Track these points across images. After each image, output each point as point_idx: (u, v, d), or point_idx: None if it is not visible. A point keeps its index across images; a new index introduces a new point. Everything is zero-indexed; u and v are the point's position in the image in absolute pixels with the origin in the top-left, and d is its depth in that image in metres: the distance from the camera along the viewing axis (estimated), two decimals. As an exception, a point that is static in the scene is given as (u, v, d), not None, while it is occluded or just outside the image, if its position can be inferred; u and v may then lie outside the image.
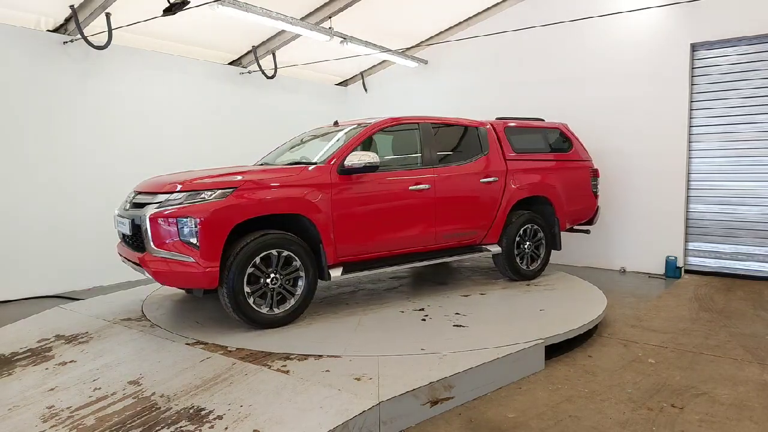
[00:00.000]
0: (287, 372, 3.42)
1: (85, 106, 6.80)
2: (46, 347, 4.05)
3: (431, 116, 5.61)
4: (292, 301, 4.42)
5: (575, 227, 6.66)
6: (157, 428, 2.77)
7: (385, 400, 3.02)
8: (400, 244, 5.08)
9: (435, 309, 4.88)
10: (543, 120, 6.64)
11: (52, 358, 3.83)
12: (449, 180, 5.33)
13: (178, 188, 4.17)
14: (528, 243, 5.96)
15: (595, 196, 6.63)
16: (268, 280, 4.28)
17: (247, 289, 4.16)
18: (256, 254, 4.16)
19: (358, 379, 3.29)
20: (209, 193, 4.11)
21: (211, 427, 2.78)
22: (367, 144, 5.11)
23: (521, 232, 5.87)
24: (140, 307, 5.10)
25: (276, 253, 4.28)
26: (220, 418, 2.86)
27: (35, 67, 6.34)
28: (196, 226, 3.98)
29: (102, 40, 6.57)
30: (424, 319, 4.58)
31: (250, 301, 4.19)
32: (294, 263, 4.39)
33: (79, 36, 6.42)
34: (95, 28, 6.48)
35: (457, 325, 4.36)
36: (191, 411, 2.95)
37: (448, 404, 3.34)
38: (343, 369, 3.46)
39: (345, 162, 4.63)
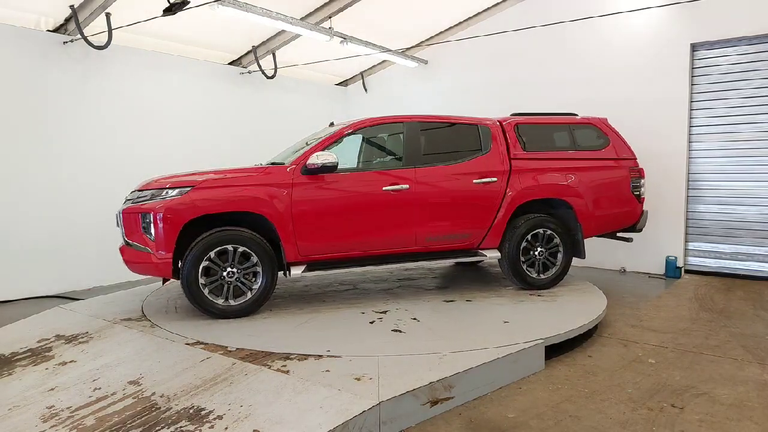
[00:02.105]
0: (287, 372, 3.42)
1: (85, 106, 6.81)
2: (46, 347, 4.05)
3: (423, 115, 5.44)
4: (249, 295, 4.66)
5: (618, 234, 5.97)
6: (157, 428, 2.77)
7: (385, 400, 3.02)
8: (374, 245, 5.01)
9: (399, 313, 4.76)
10: (576, 115, 6.02)
11: (52, 358, 3.83)
12: (432, 180, 5.13)
13: (148, 186, 4.69)
14: (539, 249, 5.47)
15: (638, 199, 5.84)
16: (225, 274, 4.55)
17: (201, 280, 4.48)
18: (211, 249, 4.48)
19: (358, 379, 3.29)
20: (169, 191, 4.54)
21: (211, 427, 2.78)
22: (344, 144, 5.12)
23: (529, 237, 5.41)
24: (140, 307, 5.10)
25: (232, 249, 4.55)
26: (220, 418, 2.86)
27: (35, 67, 6.34)
28: (151, 221, 4.45)
29: (102, 40, 6.57)
30: (373, 322, 4.51)
31: (205, 291, 4.50)
32: (252, 259, 4.61)
33: (79, 36, 6.42)
34: (95, 28, 6.48)
35: (395, 330, 4.26)
36: (191, 411, 2.95)
37: (448, 404, 3.34)
38: (343, 369, 3.46)
39: (307, 162, 4.73)
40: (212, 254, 4.49)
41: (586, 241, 5.71)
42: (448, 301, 5.17)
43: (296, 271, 4.74)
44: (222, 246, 4.51)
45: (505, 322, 4.46)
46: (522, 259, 5.43)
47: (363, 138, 5.47)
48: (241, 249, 4.56)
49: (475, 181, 5.29)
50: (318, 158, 4.69)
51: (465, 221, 5.27)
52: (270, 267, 4.65)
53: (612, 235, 6.01)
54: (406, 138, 5.24)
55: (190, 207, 4.46)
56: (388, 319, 4.60)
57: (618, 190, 5.77)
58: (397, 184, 5.01)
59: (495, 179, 5.35)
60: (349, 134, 5.13)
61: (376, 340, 4.03)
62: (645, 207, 6.04)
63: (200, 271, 4.47)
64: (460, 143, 5.48)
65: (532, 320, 4.51)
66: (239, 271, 4.60)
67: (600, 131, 5.90)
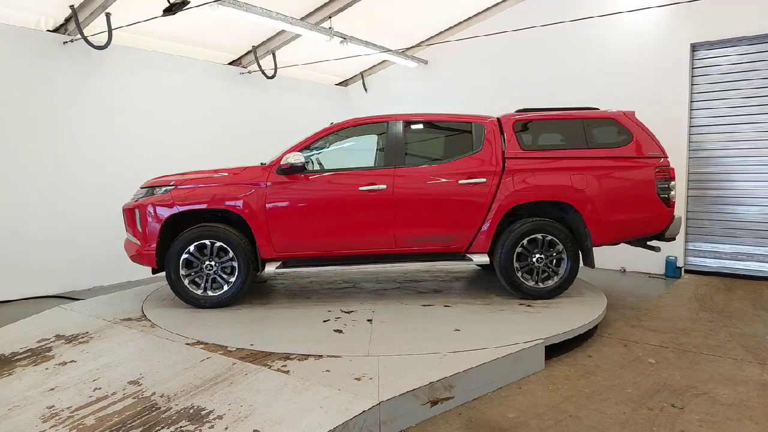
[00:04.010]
0: (287, 372, 3.42)
1: (85, 106, 6.80)
2: (46, 347, 4.05)
3: (408, 114, 5.29)
4: (225, 287, 4.97)
5: (648, 243, 5.41)
6: (157, 428, 2.77)
7: (385, 400, 3.02)
8: (350, 245, 5.01)
9: (362, 314, 4.73)
10: (597, 109, 5.44)
11: (52, 358, 3.83)
12: (412, 181, 4.99)
13: (144, 185, 5.16)
14: (537, 256, 5.05)
15: (666, 203, 5.15)
16: (204, 266, 4.93)
17: (182, 271, 4.90)
18: (190, 243, 4.87)
19: (359, 379, 3.29)
20: (157, 190, 5.01)
21: (211, 427, 2.78)
22: (338, 144, 5.23)
23: (525, 242, 5.02)
24: (140, 307, 5.11)
25: (209, 244, 4.90)
26: (220, 418, 2.86)
27: (35, 67, 6.34)
28: (139, 216, 4.96)
29: (102, 40, 6.57)
30: (327, 321, 4.53)
31: (185, 282, 4.93)
32: (229, 253, 4.94)
33: (79, 36, 6.42)
34: (95, 28, 6.48)
35: (336, 330, 4.26)
36: (191, 411, 2.95)
37: (448, 404, 3.34)
38: (343, 369, 3.46)
39: (281, 162, 4.92)
40: (191, 248, 4.88)
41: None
42: (425, 306, 4.99)
43: (270, 268, 4.96)
44: (200, 241, 4.87)
45: (456, 330, 4.24)
46: (517, 265, 5.04)
47: (352, 138, 5.47)
48: (218, 244, 4.90)
49: (461, 181, 5.02)
50: (289, 159, 4.88)
51: (449, 223, 5.03)
52: (246, 262, 4.91)
53: (641, 244, 5.46)
54: (388, 138, 5.18)
55: (169, 204, 4.90)
56: (345, 319, 4.61)
57: (639, 193, 5.13)
58: (374, 184, 4.96)
59: (484, 180, 5.03)
60: (331, 134, 5.19)
61: (307, 336, 4.11)
62: (676, 212, 5.41)
63: (181, 262, 4.88)
64: (448, 142, 5.36)
65: (482, 330, 4.22)
66: (217, 264, 4.94)
67: (622, 127, 5.25)
